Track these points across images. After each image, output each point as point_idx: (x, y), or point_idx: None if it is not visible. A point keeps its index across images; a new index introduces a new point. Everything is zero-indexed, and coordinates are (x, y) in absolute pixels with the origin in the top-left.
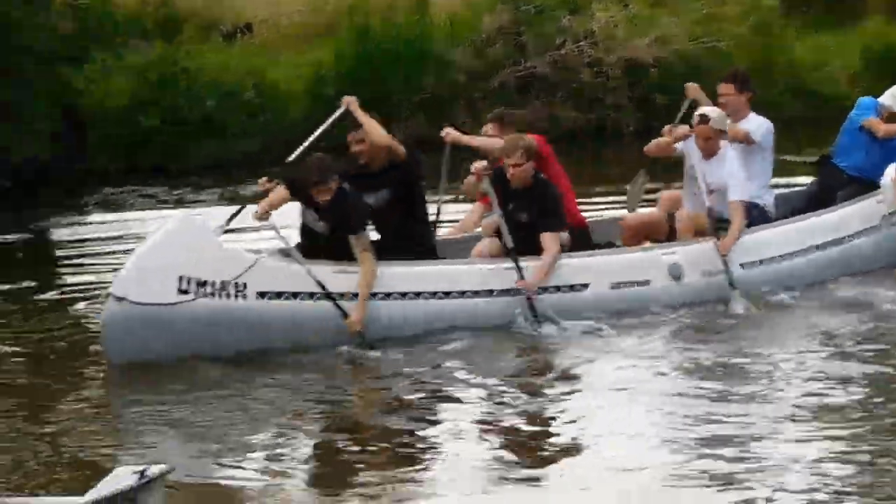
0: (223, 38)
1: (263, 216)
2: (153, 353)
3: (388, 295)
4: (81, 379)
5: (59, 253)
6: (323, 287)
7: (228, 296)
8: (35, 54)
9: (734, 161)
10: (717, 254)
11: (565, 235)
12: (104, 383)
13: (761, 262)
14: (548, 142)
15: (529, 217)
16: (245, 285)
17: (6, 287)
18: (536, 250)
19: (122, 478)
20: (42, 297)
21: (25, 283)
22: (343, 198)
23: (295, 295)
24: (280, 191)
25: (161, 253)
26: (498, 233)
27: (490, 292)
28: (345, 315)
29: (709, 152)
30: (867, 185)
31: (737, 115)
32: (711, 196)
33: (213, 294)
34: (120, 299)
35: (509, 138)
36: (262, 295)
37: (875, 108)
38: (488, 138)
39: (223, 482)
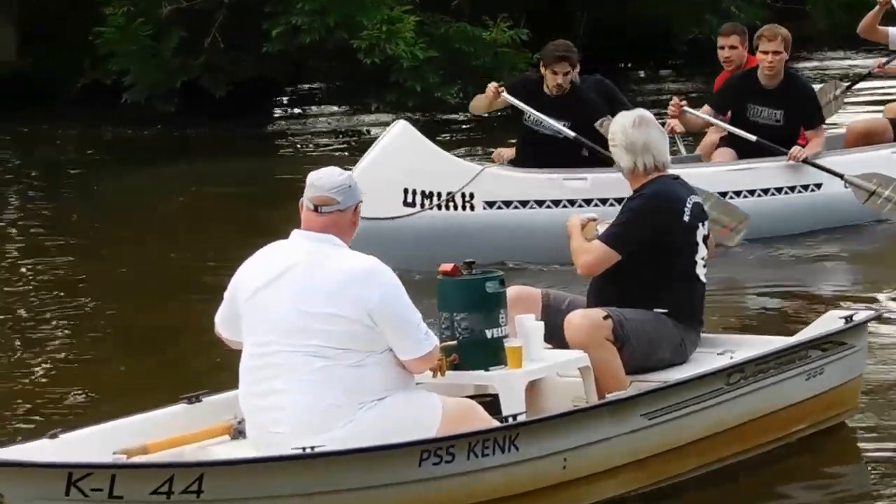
0: None
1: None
2: None
3: None
4: None
5: None
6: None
7: (455, 207)
8: None
9: None
10: None
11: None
12: None
13: None
14: None
15: (782, 117)
16: (472, 195)
17: None
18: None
19: (830, 321)
20: None
21: None
22: (582, 89)
23: (524, 203)
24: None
25: (384, 166)
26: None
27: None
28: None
29: None
30: None
31: None
32: None
33: (439, 206)
34: None
35: (770, 25)
36: (489, 205)
37: None
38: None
39: None
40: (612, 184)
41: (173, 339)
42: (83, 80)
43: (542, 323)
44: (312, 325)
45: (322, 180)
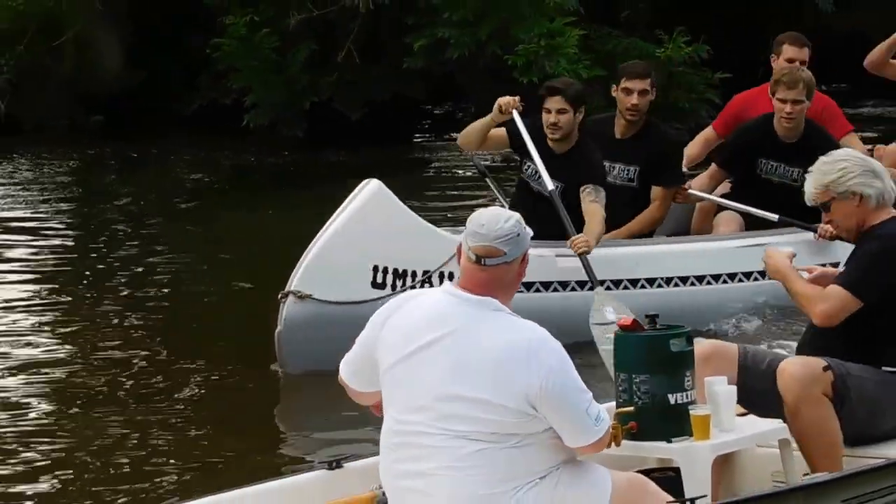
0: None
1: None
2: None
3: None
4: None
5: None
6: None
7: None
8: None
9: None
10: None
11: None
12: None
13: None
14: None
15: (800, 177)
16: (452, 275)
17: None
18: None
19: None
20: None
21: None
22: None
23: (527, 286)
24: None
25: (351, 238)
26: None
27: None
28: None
29: None
30: None
31: None
32: None
33: (413, 287)
34: (303, 297)
35: (790, 69)
36: None
37: None
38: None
39: None
40: (613, 262)
41: (313, 396)
42: (199, 99)
43: (734, 387)
44: (465, 411)
45: (487, 227)
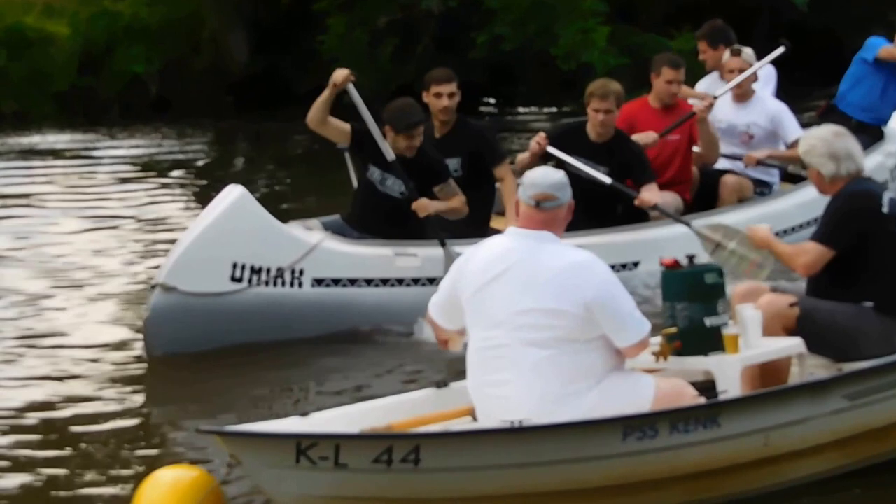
0: None
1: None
2: (200, 346)
3: None
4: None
5: None
6: None
7: (283, 284)
8: None
9: (774, 100)
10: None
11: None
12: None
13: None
14: None
15: (608, 174)
16: (302, 272)
17: None
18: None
19: None
20: None
21: None
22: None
23: (353, 282)
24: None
25: (214, 237)
26: None
27: None
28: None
29: (742, 94)
30: (874, 130)
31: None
32: (751, 142)
33: (266, 283)
34: (169, 289)
35: (602, 82)
36: (318, 282)
37: (882, 46)
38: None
39: None
40: (443, 262)
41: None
42: (308, 83)
43: (759, 312)
44: (535, 319)
45: (542, 178)
